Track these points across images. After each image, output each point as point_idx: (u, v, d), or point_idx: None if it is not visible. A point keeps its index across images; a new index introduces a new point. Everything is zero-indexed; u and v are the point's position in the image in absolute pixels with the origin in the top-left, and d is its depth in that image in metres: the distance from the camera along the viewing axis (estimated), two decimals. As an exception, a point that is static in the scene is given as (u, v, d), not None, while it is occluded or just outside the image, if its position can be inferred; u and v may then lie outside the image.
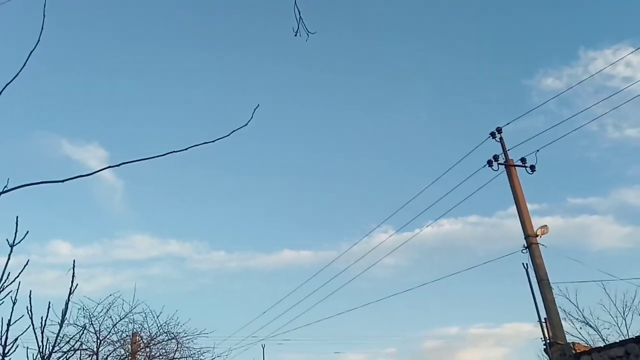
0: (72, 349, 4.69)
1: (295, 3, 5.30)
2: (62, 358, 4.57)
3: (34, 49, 3.33)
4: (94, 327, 20.32)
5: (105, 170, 3.47)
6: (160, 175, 60.95)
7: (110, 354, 21.26)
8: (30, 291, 3.85)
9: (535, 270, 16.43)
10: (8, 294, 3.63)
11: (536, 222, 17.45)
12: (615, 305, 21.88)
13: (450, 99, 62.93)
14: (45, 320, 3.93)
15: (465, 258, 55.07)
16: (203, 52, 62.66)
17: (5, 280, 3.61)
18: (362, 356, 58.43)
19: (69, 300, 4.05)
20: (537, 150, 18.01)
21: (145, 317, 22.35)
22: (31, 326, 3.88)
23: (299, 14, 5.37)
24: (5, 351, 3.72)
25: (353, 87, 64.52)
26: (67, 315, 4.16)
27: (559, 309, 16.85)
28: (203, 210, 64.01)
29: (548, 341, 15.89)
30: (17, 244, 3.60)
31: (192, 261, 59.00)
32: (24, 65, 3.25)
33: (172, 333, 22.65)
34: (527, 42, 59.84)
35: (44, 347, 3.96)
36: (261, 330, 44.02)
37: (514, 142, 18.81)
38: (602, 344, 17.96)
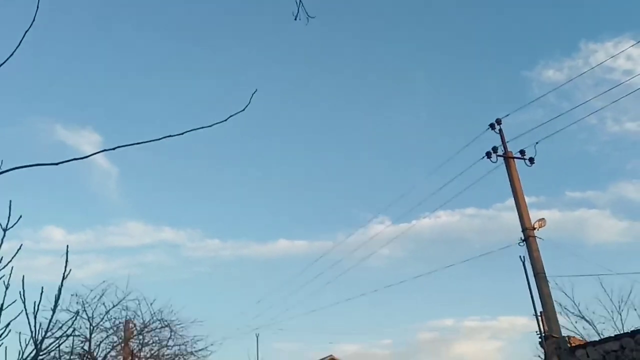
0: (64, 335, 4.59)
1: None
2: (54, 344, 4.49)
3: (28, 29, 3.28)
4: (86, 314, 20.27)
5: (99, 155, 3.42)
6: (154, 162, 60.81)
7: (102, 340, 21.21)
8: (24, 276, 3.79)
9: (532, 264, 16.40)
10: (0, 278, 3.58)
11: (534, 215, 17.44)
12: (611, 299, 21.89)
13: (449, 90, 62.92)
14: (38, 306, 3.86)
15: (461, 250, 55.19)
16: (202, 43, 62.40)
17: None
18: (357, 347, 58.55)
19: (62, 285, 3.99)
20: (537, 143, 17.96)
21: (139, 304, 22.32)
22: (24, 311, 3.81)
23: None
24: (-2, 335, 3.65)
25: (352, 78, 64.37)
26: (60, 301, 4.11)
27: (555, 303, 16.84)
28: (197, 198, 63.88)
29: (543, 335, 15.87)
30: (10, 228, 3.56)
31: (186, 249, 58.89)
32: (19, 44, 3.19)
33: (166, 321, 22.64)
34: (528, 33, 59.69)
35: (37, 332, 3.89)
36: (255, 319, 44.22)
37: (513, 134, 18.78)
38: (597, 339, 17.95)
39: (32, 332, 3.87)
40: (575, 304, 21.95)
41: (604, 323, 22.13)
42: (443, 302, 56.14)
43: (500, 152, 18.14)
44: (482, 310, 66.77)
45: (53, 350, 4.57)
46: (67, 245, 3.93)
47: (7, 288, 3.62)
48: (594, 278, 21.28)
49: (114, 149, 3.28)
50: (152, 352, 22.75)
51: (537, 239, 16.84)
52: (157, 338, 22.87)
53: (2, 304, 3.66)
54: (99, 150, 3.25)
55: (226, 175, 63.95)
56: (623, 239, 50.45)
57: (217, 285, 58.72)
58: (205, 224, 63.05)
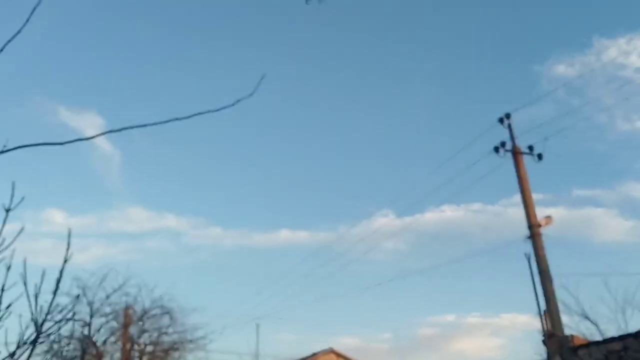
0: (64, 318, 4.52)
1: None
2: (54, 327, 4.41)
3: (37, 6, 3.20)
4: (87, 298, 20.23)
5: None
6: (158, 148, 60.52)
7: (102, 325, 21.20)
8: (25, 258, 3.76)
9: (537, 261, 16.23)
10: (2, 260, 3.59)
11: (540, 212, 17.24)
12: (615, 299, 21.76)
13: (459, 82, 62.37)
14: (40, 288, 3.82)
15: (465, 246, 54.84)
16: (206, 35, 62.11)
17: (0, 246, 3.57)
18: (357, 340, 58.59)
19: (63, 268, 3.96)
20: (546, 139, 17.70)
21: (139, 290, 22.28)
22: (25, 293, 3.77)
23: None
24: (-1, 316, 3.64)
25: (360, 68, 64.04)
26: (61, 285, 4.05)
27: (558, 302, 16.69)
28: (200, 186, 63.80)
29: (546, 333, 15.76)
30: (13, 209, 3.56)
31: (188, 236, 58.89)
32: (27, 21, 3.12)
33: (166, 308, 22.61)
34: (540, 27, 59.07)
35: (37, 315, 3.85)
36: (255, 309, 44.18)
37: (522, 129, 18.52)
38: (599, 339, 17.85)
39: (32, 314, 3.84)
40: (579, 303, 21.85)
41: (607, 323, 22.04)
42: (445, 297, 55.93)
43: (508, 147, 17.92)
44: (484, 307, 66.48)
45: (53, 334, 4.51)
46: (69, 229, 3.90)
47: (8, 269, 3.62)
48: (598, 277, 21.14)
49: (120, 130, 3.26)
50: (152, 339, 22.74)
51: (543, 237, 16.67)
52: (156, 325, 22.86)
53: (4, 286, 3.65)
54: (104, 131, 3.20)
55: (230, 164, 63.84)
56: (629, 239, 50.15)
57: (217, 273, 58.72)
58: (207, 212, 63.20)
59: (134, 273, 24.13)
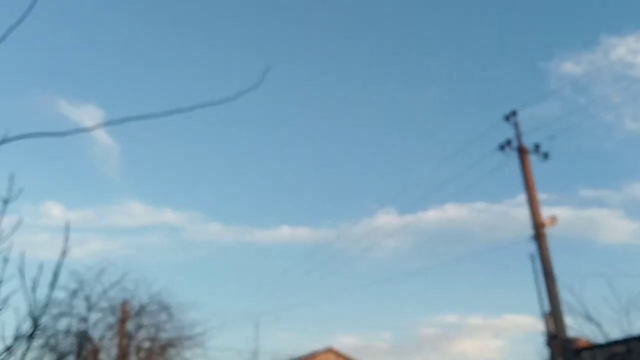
0: (61, 313, 4.35)
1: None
2: (51, 321, 4.24)
3: None
4: (84, 293, 20.02)
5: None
6: (158, 143, 60.37)
7: (99, 320, 21.00)
8: (24, 251, 3.76)
9: (541, 262, 16.03)
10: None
11: (545, 212, 17.03)
12: (620, 301, 21.58)
13: (464, 79, 62.21)
14: (37, 282, 3.78)
15: (468, 245, 54.60)
16: (206, 28, 61.89)
17: None
18: (357, 339, 58.38)
19: (61, 262, 3.95)
20: (552, 137, 17.44)
21: (137, 285, 22.08)
22: (22, 287, 3.75)
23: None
24: (-4, 309, 3.62)
25: (363, 66, 63.84)
26: (58, 279, 4.01)
27: (562, 303, 16.50)
28: (200, 181, 63.60)
29: (550, 335, 15.56)
30: (11, 201, 3.58)
31: (187, 232, 58.70)
32: (29, 10, 3.11)
33: (164, 303, 22.41)
34: (547, 24, 58.94)
35: (35, 309, 3.79)
36: (255, 306, 43.95)
37: (528, 127, 18.25)
38: (603, 341, 17.67)
39: (30, 308, 3.80)
40: (583, 304, 21.65)
41: (611, 325, 21.87)
42: (447, 297, 55.76)
43: (514, 145, 17.69)
44: (486, 308, 66.37)
45: (50, 328, 4.34)
46: (67, 222, 3.93)
47: (6, 262, 3.63)
48: (602, 279, 20.95)
49: (121, 121, 3.27)
50: (149, 334, 22.55)
51: (548, 237, 16.47)
52: (154, 321, 22.66)
53: (1, 279, 3.65)
54: (106, 123, 3.15)
55: (231, 159, 63.70)
56: (635, 240, 49.90)
57: (216, 270, 58.61)
58: (207, 207, 62.92)
59: (132, 268, 23.95)
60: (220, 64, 60.84)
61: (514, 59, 60.80)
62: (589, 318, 21.30)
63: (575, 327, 20.62)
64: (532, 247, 16.36)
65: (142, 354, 21.88)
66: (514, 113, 17.86)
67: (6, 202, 3.53)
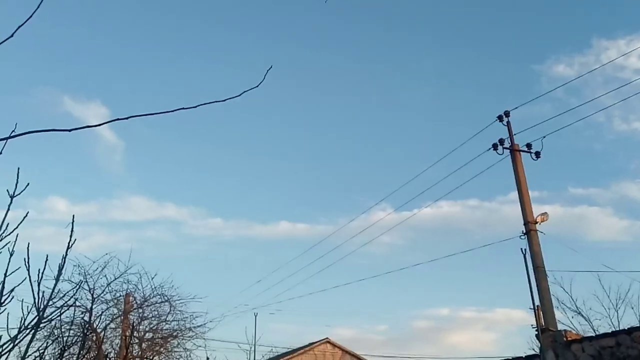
0: (66, 304, 4.66)
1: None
2: (56, 313, 4.55)
3: None
4: (88, 285, 20.40)
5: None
6: (161, 139, 60.78)
7: (103, 312, 21.38)
8: (29, 244, 3.81)
9: (532, 257, 16.40)
10: (6, 245, 3.60)
11: (535, 210, 17.42)
12: (608, 297, 21.97)
13: (457, 79, 62.55)
14: (42, 274, 3.87)
15: (461, 241, 55.18)
16: (213, 24, 62.06)
17: (4, 231, 3.57)
18: (353, 331, 58.94)
19: (66, 255, 4.02)
20: (544, 137, 17.84)
21: (140, 278, 22.45)
22: (28, 279, 3.82)
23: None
24: (1, 301, 3.67)
25: (357, 67, 64.03)
26: (63, 271, 4.09)
27: (552, 297, 16.89)
28: (202, 177, 64.08)
29: (540, 328, 15.94)
30: (17, 195, 3.55)
31: (188, 226, 59.25)
32: (38, 6, 3.06)
33: (166, 296, 22.77)
34: (541, 27, 59.20)
35: (39, 300, 3.91)
36: (254, 299, 44.44)
37: (520, 127, 18.67)
38: (592, 334, 18.04)
39: (35, 299, 3.89)
40: (572, 299, 22.07)
41: (599, 320, 22.26)
42: (440, 291, 56.42)
43: (507, 144, 18.06)
44: (478, 302, 67.07)
45: (54, 319, 4.61)
46: (73, 215, 3.94)
47: (11, 255, 3.64)
48: (591, 274, 21.34)
49: (127, 118, 3.21)
50: (151, 326, 22.94)
51: (539, 233, 16.84)
52: (156, 312, 23.04)
53: (7, 271, 3.67)
54: (112, 119, 3.23)
55: (231, 155, 64.05)
56: (623, 238, 50.44)
57: (217, 264, 59.06)
58: (208, 202, 63.46)
59: (135, 261, 24.35)
60: (225, 59, 61.08)
61: (508, 60, 61.18)
62: (578, 312, 21.74)
63: (565, 321, 21.08)
64: (524, 243, 16.75)
65: (144, 345, 22.30)
66: (507, 113, 18.21)
67: (12, 196, 3.50)
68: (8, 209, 3.55)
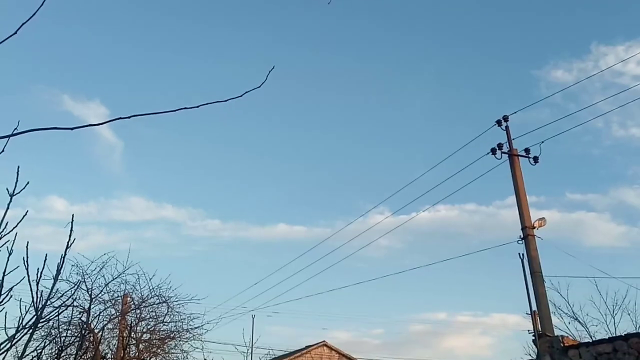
0: (64, 304, 4.66)
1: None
2: (54, 312, 4.54)
3: None
4: (86, 285, 20.38)
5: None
6: (160, 139, 60.77)
7: (101, 312, 21.37)
8: (28, 242, 3.82)
9: (529, 262, 16.42)
10: (5, 244, 3.59)
11: (532, 215, 17.44)
12: (605, 302, 21.96)
13: (457, 84, 62.63)
14: (41, 274, 3.88)
15: (458, 245, 55.26)
16: (216, 23, 62.11)
17: (3, 230, 3.56)
18: (349, 335, 58.98)
19: (65, 254, 4.02)
20: (542, 142, 17.89)
21: (138, 279, 22.45)
22: (26, 278, 3.83)
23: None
24: (0, 300, 3.68)
25: (357, 70, 64.11)
26: (61, 271, 4.11)
27: (549, 303, 16.90)
28: (200, 178, 64.09)
29: (537, 333, 15.95)
30: (17, 194, 3.54)
31: (186, 227, 59.25)
32: (42, 3, 3.07)
33: (164, 297, 22.76)
34: (540, 32, 59.38)
35: (38, 300, 3.91)
36: (251, 301, 44.45)
37: (518, 132, 18.74)
38: (589, 340, 18.03)
39: (33, 299, 3.89)
40: (569, 304, 22.06)
41: (596, 325, 22.25)
42: (437, 295, 56.45)
43: (505, 149, 18.10)
44: (475, 306, 67.11)
45: (52, 319, 4.61)
46: (73, 215, 3.96)
47: (10, 254, 3.64)
48: (588, 280, 21.33)
49: (129, 117, 3.20)
50: (149, 327, 22.92)
51: (536, 238, 16.86)
52: (154, 313, 23.03)
53: (5, 270, 3.67)
54: (114, 118, 3.21)
55: (230, 157, 64.08)
56: (620, 244, 50.49)
57: (215, 265, 59.06)
58: (206, 203, 63.54)
59: (133, 261, 24.34)
60: (225, 59, 61.11)
61: (508, 66, 61.42)
62: (575, 318, 21.75)
63: (562, 327, 21.08)
64: (521, 248, 16.78)
65: (142, 346, 22.28)
66: (505, 118, 18.26)
67: (12, 195, 3.50)
68: (7, 208, 3.54)
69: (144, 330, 22.71)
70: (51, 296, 4.19)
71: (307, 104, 64.15)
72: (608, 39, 62.88)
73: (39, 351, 4.81)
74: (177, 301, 23.05)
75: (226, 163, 64.68)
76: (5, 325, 3.97)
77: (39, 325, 4.01)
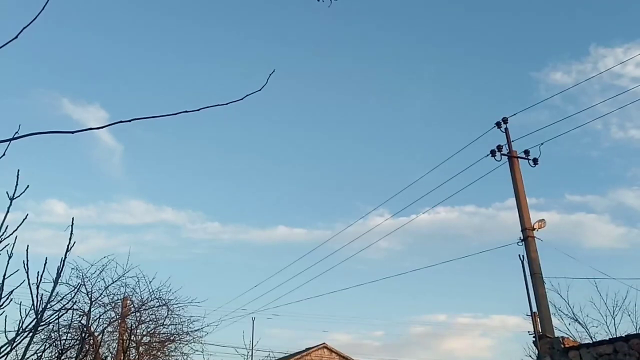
0: (64, 307, 4.65)
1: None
2: (54, 316, 4.54)
3: None
4: (86, 288, 20.37)
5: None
6: (160, 143, 60.77)
7: (101, 315, 21.35)
8: (28, 246, 3.81)
9: (529, 264, 16.43)
10: (5, 247, 3.59)
11: (533, 216, 17.46)
12: (605, 304, 21.95)
13: (456, 86, 62.71)
14: (41, 277, 3.86)
15: (458, 247, 55.24)
16: (216, 26, 62.17)
17: (3, 233, 3.56)
18: (350, 337, 58.97)
19: (65, 257, 4.00)
20: (542, 144, 17.90)
21: (138, 281, 22.41)
22: (26, 281, 3.81)
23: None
24: (0, 303, 3.68)
25: (357, 72, 64.17)
26: (61, 274, 4.06)
27: (549, 304, 16.90)
28: (200, 181, 64.11)
29: (537, 334, 15.96)
30: (17, 197, 3.53)
31: (186, 230, 59.25)
32: (44, 7, 3.06)
33: (163, 299, 22.74)
34: (539, 35, 59.47)
35: (38, 303, 3.89)
36: (251, 303, 44.45)
37: (518, 134, 18.77)
38: (589, 341, 18.02)
39: (33, 302, 3.86)
40: (569, 306, 22.06)
41: (597, 327, 22.25)
42: (437, 297, 56.44)
43: (504, 151, 18.11)
44: (475, 308, 67.12)
45: (52, 322, 4.60)
46: (73, 218, 3.95)
47: (10, 257, 3.63)
48: (588, 281, 21.34)
49: (130, 120, 3.17)
50: (149, 330, 22.90)
51: (536, 240, 16.87)
52: (154, 316, 23.01)
53: (5, 273, 3.66)
54: (115, 122, 3.19)
55: (230, 159, 64.07)
56: (620, 245, 50.52)
57: (215, 268, 59.05)
58: (206, 206, 63.46)
59: (133, 264, 24.28)
60: (223, 64, 61.16)
61: (507, 68, 61.51)
62: (575, 319, 21.75)
63: (562, 328, 21.08)
64: (521, 250, 16.78)
65: (142, 349, 22.26)
66: (505, 120, 18.28)
67: (12, 199, 3.47)
68: (7, 211, 3.54)
69: (144, 333, 22.70)
70: (51, 299, 4.19)
71: (306, 105, 64.30)
72: (607, 41, 62.98)
73: (39, 354, 4.81)
74: (177, 304, 23.04)
75: (226, 166, 64.76)
76: (5, 328, 3.97)
77: (39, 328, 4.00)
